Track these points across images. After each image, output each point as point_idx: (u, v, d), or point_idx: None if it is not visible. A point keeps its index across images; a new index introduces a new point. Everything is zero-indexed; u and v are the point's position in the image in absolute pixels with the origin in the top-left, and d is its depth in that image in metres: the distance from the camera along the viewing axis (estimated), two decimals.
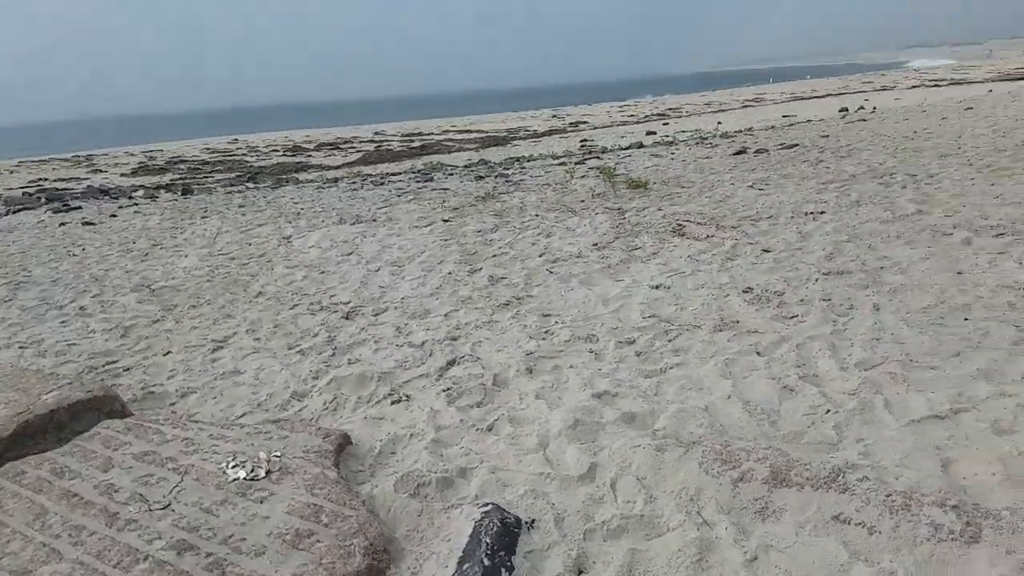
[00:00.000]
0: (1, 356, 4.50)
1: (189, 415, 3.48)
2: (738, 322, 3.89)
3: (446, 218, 7.61)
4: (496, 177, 10.55)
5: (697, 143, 13.01)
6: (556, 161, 12.26)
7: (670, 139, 15.47)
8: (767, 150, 10.34)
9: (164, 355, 4.37)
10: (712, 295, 4.38)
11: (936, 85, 35.36)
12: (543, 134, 28.47)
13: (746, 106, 34.58)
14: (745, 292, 4.34)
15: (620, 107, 45.17)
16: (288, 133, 45.40)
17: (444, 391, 3.43)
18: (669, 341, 3.73)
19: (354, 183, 11.79)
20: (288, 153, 29.17)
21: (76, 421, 3.19)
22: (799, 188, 7.27)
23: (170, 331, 4.79)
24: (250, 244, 7.30)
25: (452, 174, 11.87)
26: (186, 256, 6.96)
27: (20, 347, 4.65)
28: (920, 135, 10.15)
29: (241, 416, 3.43)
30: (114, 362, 4.29)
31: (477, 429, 3.04)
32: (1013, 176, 6.60)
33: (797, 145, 10.49)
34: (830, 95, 36.78)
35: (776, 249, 5.22)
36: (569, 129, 30.78)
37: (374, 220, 7.89)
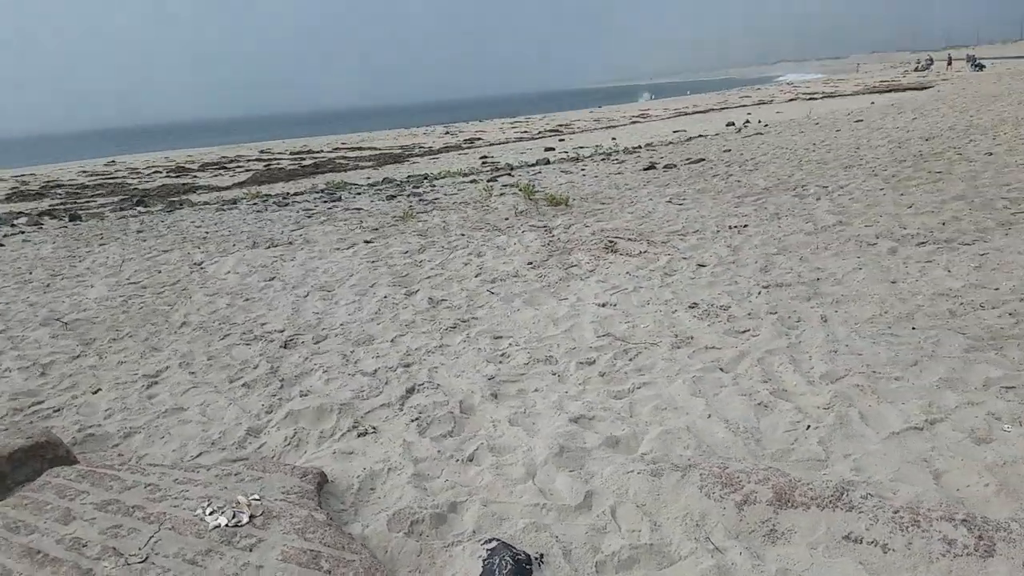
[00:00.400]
0: None
1: (138, 457, 3.24)
2: (692, 338, 4.01)
3: (368, 239, 7.46)
4: (408, 196, 10.44)
5: (603, 159, 13.35)
6: (466, 179, 12.26)
7: (573, 155, 15.80)
8: (675, 165, 10.76)
9: (94, 393, 4.07)
10: (660, 311, 4.49)
11: (812, 98, 37.84)
12: (440, 151, 28.40)
13: (635, 122, 35.76)
14: (692, 307, 4.48)
15: (512, 123, 45.66)
16: (168, 153, 43.17)
17: (412, 421, 3.35)
18: (630, 360, 3.80)
19: (255, 204, 11.36)
20: (172, 174, 27.64)
21: (18, 470, 2.91)
22: (716, 202, 7.60)
23: (95, 367, 4.45)
24: (159, 271, 6.88)
25: (360, 193, 11.64)
26: (92, 286, 6.48)
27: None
28: (819, 147, 10.85)
29: (197, 456, 3.23)
30: (40, 402, 3.95)
31: (457, 460, 2.98)
32: (919, 186, 7.15)
33: (704, 160, 10.97)
34: (712, 110, 38.64)
35: (711, 263, 5.42)
36: (465, 145, 30.82)
37: (290, 243, 7.63)
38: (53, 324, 5.39)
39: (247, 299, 5.72)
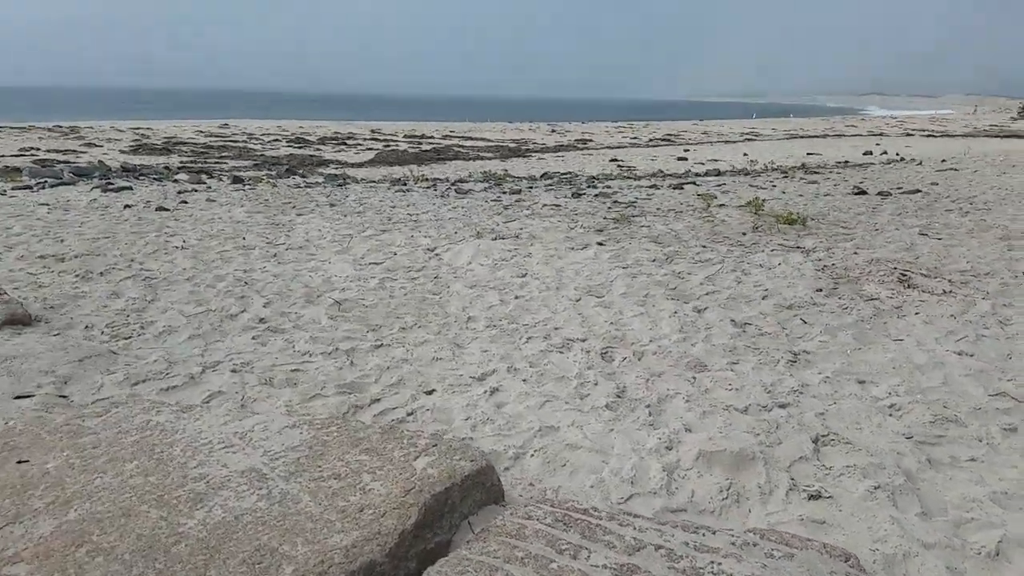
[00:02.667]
0: (217, 380, 3.67)
1: (553, 491, 2.76)
2: None
3: (599, 241, 6.93)
4: (598, 196, 9.91)
5: (785, 177, 12.56)
6: (643, 184, 11.65)
7: (746, 170, 15.00)
8: (890, 193, 9.94)
9: (428, 393, 3.62)
10: None
11: (931, 135, 36.02)
12: (558, 148, 27.97)
13: (748, 139, 34.66)
14: None
15: (617, 127, 44.86)
16: (280, 123, 43.88)
17: (874, 489, 2.77)
18: None
19: (430, 188, 11.00)
20: (293, 145, 27.95)
21: (464, 502, 2.45)
22: (980, 242, 6.81)
23: (406, 360, 4.04)
24: (395, 254, 6.51)
25: (532, 187, 11.18)
26: (330, 263, 6.14)
27: (232, 370, 3.82)
28: None
29: (627, 499, 2.73)
30: (377, 401, 3.52)
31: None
32: None
33: (919, 191, 10.10)
34: (828, 135, 37.19)
35: None
36: (579, 145, 30.33)
37: (517, 236, 7.17)
38: (322, 303, 5.02)
39: (517, 297, 5.25)
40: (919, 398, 3.55)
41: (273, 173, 14.51)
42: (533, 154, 25.21)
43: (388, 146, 28.55)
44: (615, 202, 9.36)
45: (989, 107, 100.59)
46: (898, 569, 2.33)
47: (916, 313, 4.85)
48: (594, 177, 13.04)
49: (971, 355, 4.10)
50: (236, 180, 12.05)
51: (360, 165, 20.52)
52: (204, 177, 12.48)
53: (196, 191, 9.99)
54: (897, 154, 20.99)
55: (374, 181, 12.26)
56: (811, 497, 2.76)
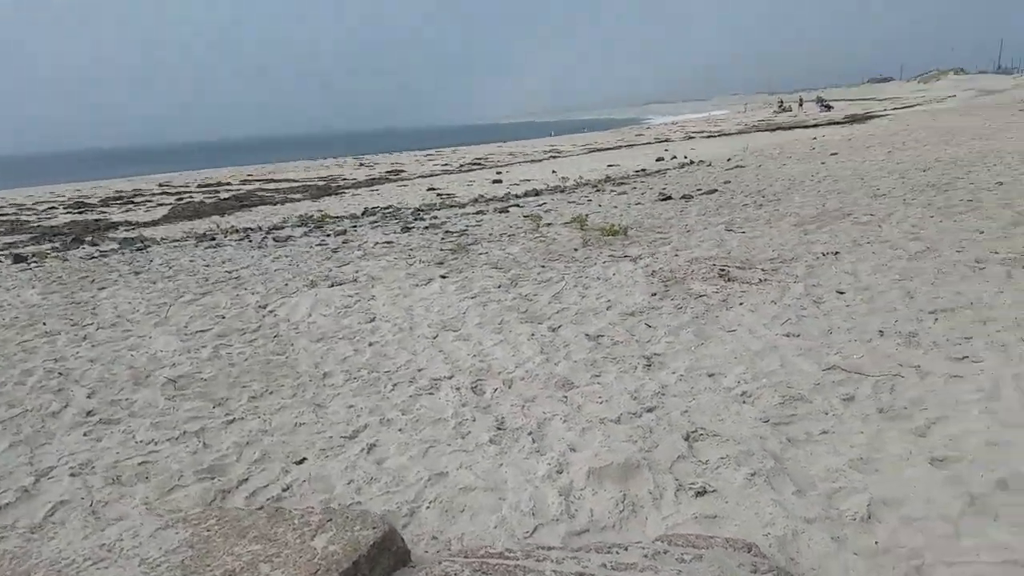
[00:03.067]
0: (56, 489, 3.24)
1: (459, 539, 2.71)
2: (920, 367, 3.85)
3: (442, 274, 6.94)
4: (427, 228, 9.91)
5: (597, 190, 13.26)
6: (468, 210, 11.80)
7: (560, 187, 15.61)
8: (691, 196, 10.81)
9: (298, 463, 3.43)
10: (856, 340, 4.33)
11: (710, 136, 39.66)
12: (371, 182, 27.54)
13: (552, 157, 36.16)
14: (881, 335, 4.35)
15: (426, 155, 45.21)
16: (50, 188, 39.54)
17: (749, 475, 2.99)
18: (891, 392, 3.59)
19: (243, 240, 10.44)
20: (72, 210, 25.28)
21: (374, 573, 2.34)
22: (778, 231, 7.60)
23: (264, 431, 3.80)
24: (223, 317, 6.09)
25: (357, 226, 10.96)
26: (152, 337, 5.62)
27: (71, 474, 3.39)
28: (822, 178, 11.19)
29: (531, 533, 2.74)
30: (245, 480, 3.29)
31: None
32: (964, 214, 7.39)
33: (715, 191, 11.07)
34: (622, 146, 39.71)
35: (847, 291, 5.30)
36: (392, 177, 30.08)
37: (355, 280, 6.98)
38: (153, 383, 4.58)
39: (371, 344, 5.11)
40: (764, 382, 3.88)
41: (58, 245, 13.10)
42: (346, 191, 24.68)
43: (182, 199, 26.65)
44: (447, 232, 9.42)
45: (756, 103, 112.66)
46: (791, 548, 2.52)
47: (741, 304, 5.30)
48: (419, 209, 13.04)
49: (798, 335, 4.55)
50: (18, 259, 10.73)
51: (156, 223, 18.98)
52: None
53: None
54: (686, 157, 22.85)
55: (177, 240, 11.43)
56: (698, 494, 2.91)
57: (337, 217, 12.86)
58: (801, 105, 64.65)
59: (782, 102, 70.45)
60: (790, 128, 37.00)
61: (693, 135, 42.46)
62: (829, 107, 58.90)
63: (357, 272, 7.34)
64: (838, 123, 34.88)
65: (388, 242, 8.98)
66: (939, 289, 5.11)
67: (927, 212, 7.65)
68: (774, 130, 37.16)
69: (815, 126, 35.64)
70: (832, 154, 14.88)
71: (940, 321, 4.51)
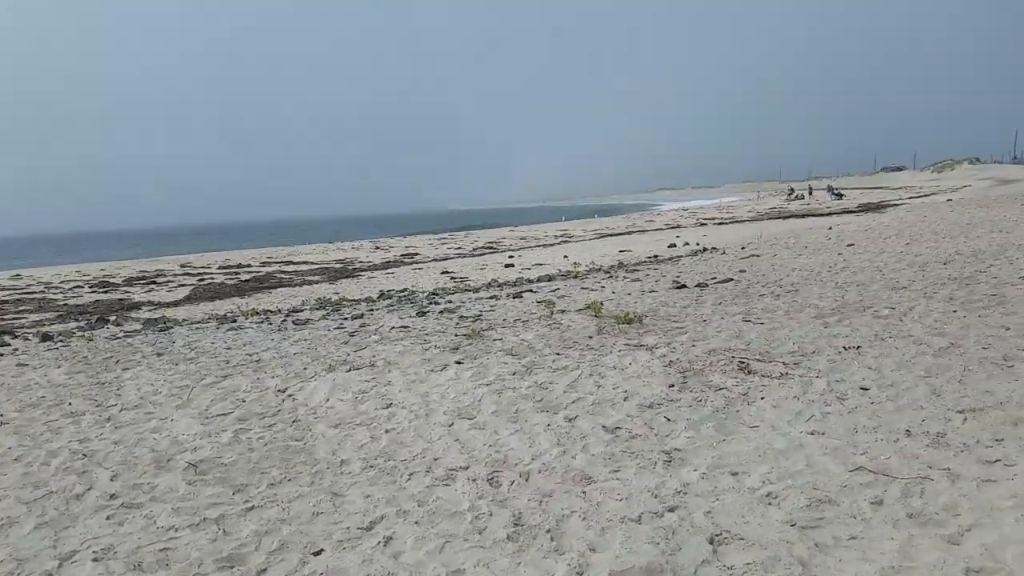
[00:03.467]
0: (79, 574, 3.20)
1: None
2: (950, 469, 3.78)
3: (458, 360, 6.96)
4: (442, 312, 9.99)
5: (609, 276, 13.37)
6: (482, 295, 11.90)
7: (572, 272, 15.77)
8: (707, 284, 10.88)
9: (316, 554, 3.39)
10: (883, 440, 4.28)
11: (721, 223, 40.12)
12: (386, 265, 27.92)
13: (563, 241, 36.59)
14: (908, 435, 4.31)
15: (440, 239, 46.06)
16: (78, 267, 40.37)
17: None
18: (921, 496, 3.52)
19: (263, 323, 10.55)
20: (97, 289, 25.68)
21: None
22: (798, 323, 7.60)
23: (283, 520, 3.77)
24: (243, 401, 6.11)
25: (373, 310, 11.07)
26: (174, 420, 5.64)
27: (93, 559, 3.35)
28: (839, 270, 11.25)
29: None
30: (263, 571, 3.23)
31: None
32: (988, 308, 7.39)
33: (731, 280, 11.15)
34: (633, 232, 40.15)
35: (871, 387, 5.27)
36: (407, 260, 30.51)
37: (372, 365, 7.01)
38: (175, 467, 4.58)
39: (388, 431, 5.10)
40: (790, 483, 3.82)
41: (83, 324, 13.28)
42: (362, 273, 25.03)
43: (203, 280, 27.09)
44: (461, 317, 9.49)
45: (768, 190, 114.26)
46: None
47: (762, 398, 5.27)
48: (433, 293, 13.16)
49: (823, 433, 4.50)
50: (45, 337, 10.88)
51: (178, 304, 19.25)
52: (7, 338, 11.17)
53: (2, 355, 8.90)
54: (698, 244, 23.06)
55: (198, 321, 11.56)
56: None
57: (354, 300, 12.99)
58: (811, 193, 65.61)
59: (792, 190, 71.37)
60: (803, 216, 37.39)
61: (705, 222, 42.96)
62: (840, 195, 59.77)
63: (374, 357, 7.37)
64: (852, 212, 35.26)
65: (404, 326, 9.04)
66: (966, 387, 5.07)
67: (949, 307, 7.65)
68: (787, 218, 37.57)
69: (829, 215, 36.01)
70: (849, 245, 14.98)
71: (969, 421, 4.46)
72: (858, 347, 6.45)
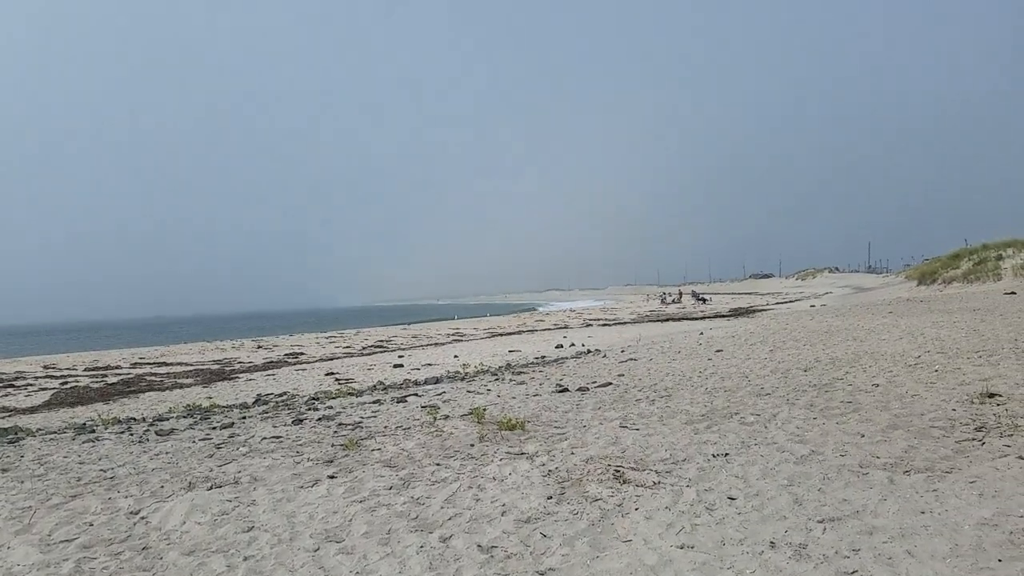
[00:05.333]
0: None
1: None
2: None
3: (330, 474, 6.64)
4: (321, 420, 9.59)
5: (496, 379, 13.35)
6: (364, 400, 11.54)
7: (460, 374, 15.64)
8: (587, 388, 11.06)
9: None
10: (748, 553, 4.35)
11: (606, 324, 41.38)
12: (264, 366, 26.78)
13: (454, 340, 36.62)
14: (772, 547, 4.42)
15: (328, 337, 44.90)
16: None
17: None
18: None
19: (123, 432, 9.76)
20: None
21: None
22: (670, 428, 7.77)
23: None
24: (90, 524, 5.54)
25: (245, 417, 10.50)
26: (10, 547, 5.01)
27: None
28: (709, 375, 11.71)
29: None
30: None
31: None
32: (845, 415, 7.79)
33: (610, 384, 11.38)
34: (523, 331, 40.69)
35: (739, 496, 5.39)
36: (290, 359, 29.45)
37: (236, 482, 6.56)
38: None
39: (246, 558, 4.73)
40: None
41: None
42: (240, 376, 23.81)
43: (67, 383, 25.00)
44: (340, 424, 9.14)
45: (645, 293, 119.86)
46: None
47: (636, 509, 5.29)
48: (313, 397, 12.67)
49: (692, 547, 4.53)
50: None
51: (35, 411, 17.61)
52: None
53: None
54: (583, 345, 23.63)
55: (54, 431, 10.56)
56: None
57: (227, 407, 12.30)
58: (681, 296, 72.39)
59: (668, 295, 78.46)
60: (680, 319, 39.17)
61: (591, 322, 44.22)
62: (704, 299, 64.97)
63: (240, 472, 6.92)
64: (724, 316, 37.21)
65: (277, 437, 8.60)
66: (825, 495, 5.26)
67: (810, 413, 8.05)
68: (664, 321, 39.26)
69: (702, 318, 37.83)
70: (718, 351, 15.69)
71: (828, 531, 4.61)
72: (726, 454, 6.64)
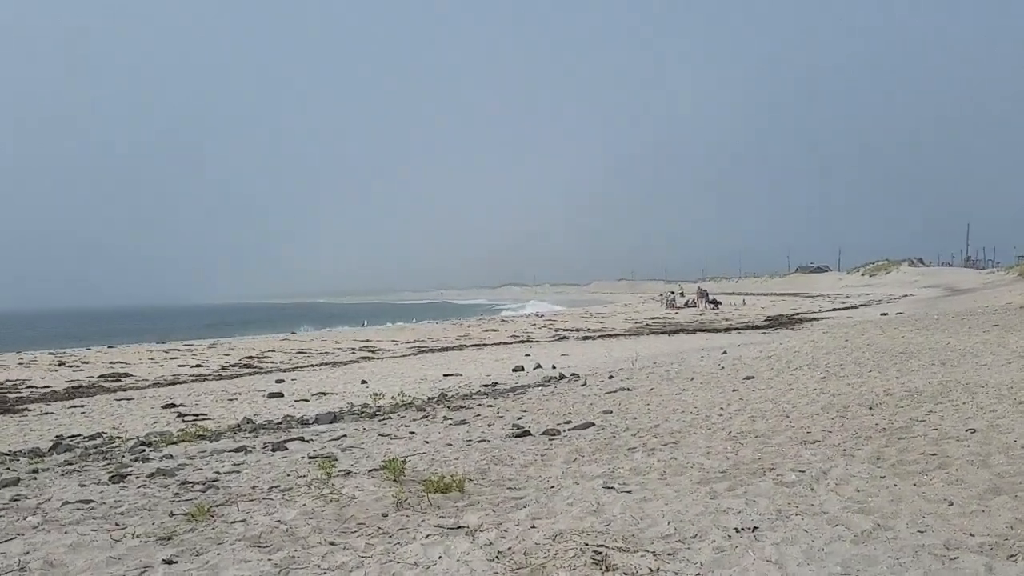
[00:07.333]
0: None
1: None
2: None
3: (168, 558, 6.54)
4: (153, 477, 9.47)
5: (425, 417, 13.40)
6: (226, 443, 11.45)
7: (369, 408, 15.65)
8: (558, 431, 11.15)
9: None
10: None
11: (588, 337, 41.69)
12: (67, 394, 25.95)
13: (365, 358, 36.35)
14: None
15: (169, 354, 43.80)
16: None
17: None
18: None
19: None
20: None
21: None
22: (675, 490, 7.88)
23: None
24: None
25: (39, 469, 10.31)
26: None
27: None
28: (734, 412, 11.94)
29: None
30: None
31: None
32: (927, 473, 7.95)
33: (592, 424, 11.50)
34: (465, 346, 40.58)
35: None
36: (107, 384, 28.73)
37: (22, 570, 6.42)
38: None
39: None
40: None
41: None
42: (31, 406, 23.10)
43: None
44: (184, 483, 9.04)
45: (653, 292, 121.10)
46: None
47: None
48: (144, 442, 12.50)
49: None
50: None
51: None
52: None
53: None
54: (554, 367, 23.79)
55: None
56: None
57: (8, 454, 12.09)
58: (683, 295, 73.66)
59: (675, 295, 79.44)
60: (695, 331, 39.68)
61: (566, 334, 44.52)
62: (716, 303, 66.56)
63: (26, 556, 6.76)
64: (757, 327, 37.86)
65: (87, 500, 8.47)
66: None
67: (876, 470, 8.20)
68: (673, 333, 39.73)
69: (727, 330, 38.39)
70: (747, 378, 15.95)
71: None
72: (755, 528, 6.74)
